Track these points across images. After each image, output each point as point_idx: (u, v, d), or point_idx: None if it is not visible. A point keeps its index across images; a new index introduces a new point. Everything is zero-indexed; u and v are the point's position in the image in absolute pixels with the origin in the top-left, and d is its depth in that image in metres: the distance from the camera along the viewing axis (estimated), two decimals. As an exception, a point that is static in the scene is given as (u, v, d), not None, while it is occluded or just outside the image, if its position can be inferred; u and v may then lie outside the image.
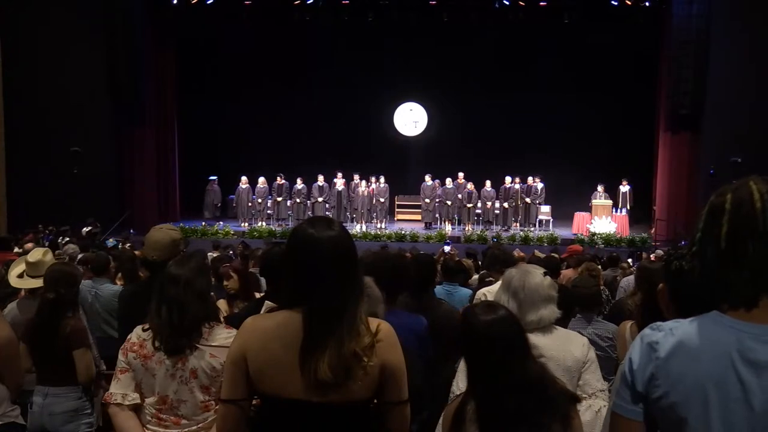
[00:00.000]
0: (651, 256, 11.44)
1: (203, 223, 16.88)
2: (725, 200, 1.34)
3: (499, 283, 4.29)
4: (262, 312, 2.33)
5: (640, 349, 1.38)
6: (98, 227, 15.06)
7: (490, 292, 4.21)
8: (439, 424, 2.55)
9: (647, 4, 16.74)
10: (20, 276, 4.19)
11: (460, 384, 2.49)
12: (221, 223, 17.02)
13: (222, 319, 2.61)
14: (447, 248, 11.39)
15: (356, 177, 17.25)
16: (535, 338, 2.52)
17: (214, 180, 18.30)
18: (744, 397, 1.26)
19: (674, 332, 1.35)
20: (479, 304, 2.16)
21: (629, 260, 11.44)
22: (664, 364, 1.33)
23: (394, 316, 2.62)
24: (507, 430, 1.97)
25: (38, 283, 4.04)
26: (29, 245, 8.47)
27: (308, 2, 17.42)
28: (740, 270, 1.31)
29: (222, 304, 4.36)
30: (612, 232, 16.02)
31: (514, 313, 2.15)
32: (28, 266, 4.14)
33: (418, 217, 17.89)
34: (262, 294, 4.46)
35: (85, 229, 15.44)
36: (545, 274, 2.65)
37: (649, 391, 1.35)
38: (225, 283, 4.66)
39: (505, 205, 17.01)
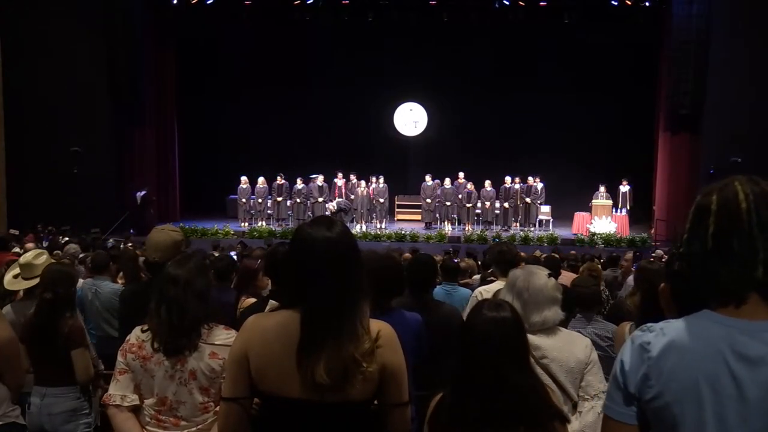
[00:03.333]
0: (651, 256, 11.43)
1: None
2: (711, 201, 1.37)
3: (497, 283, 4.32)
4: (266, 311, 2.33)
5: (632, 351, 1.39)
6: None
7: (487, 291, 4.21)
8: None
9: (647, 4, 16.74)
10: (15, 278, 4.18)
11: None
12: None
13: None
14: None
15: (354, 177, 17.24)
16: (539, 339, 2.51)
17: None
18: (737, 393, 1.27)
19: (665, 332, 1.36)
20: (488, 301, 2.14)
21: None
22: (656, 363, 1.34)
23: (390, 315, 2.61)
24: (474, 427, 1.95)
25: (31, 283, 4.03)
26: (29, 245, 8.47)
27: (308, 2, 17.42)
28: (728, 268, 1.32)
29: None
30: (612, 232, 16.02)
31: (520, 317, 2.13)
32: (21, 268, 4.12)
33: (418, 217, 17.89)
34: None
35: (139, 194, 16.09)
36: (549, 275, 2.64)
37: (642, 393, 1.35)
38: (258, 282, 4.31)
39: (506, 205, 17.00)
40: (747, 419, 1.26)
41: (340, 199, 16.73)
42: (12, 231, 12.16)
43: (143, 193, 16.63)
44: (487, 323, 2.02)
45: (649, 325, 1.41)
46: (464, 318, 4.07)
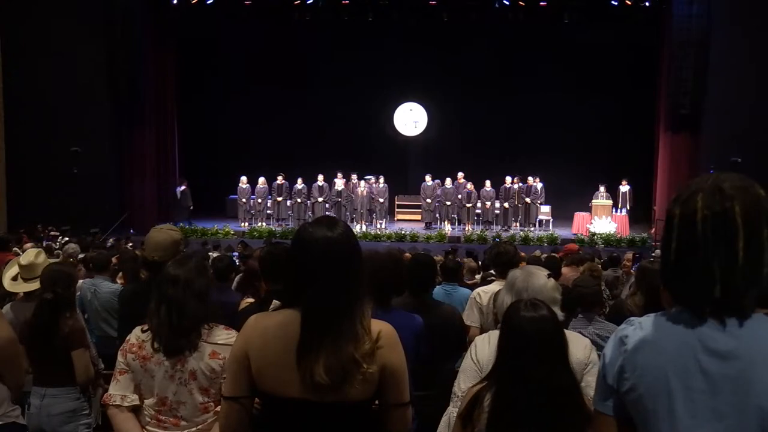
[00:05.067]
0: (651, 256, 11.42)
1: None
2: (675, 213, 1.38)
3: (495, 284, 4.31)
4: (270, 310, 2.33)
5: (613, 344, 1.43)
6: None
7: (485, 291, 4.20)
8: (443, 420, 2.55)
9: (647, 4, 16.72)
10: (14, 279, 4.16)
11: (461, 385, 2.49)
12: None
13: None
14: None
15: (354, 177, 17.24)
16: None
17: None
18: (707, 388, 1.29)
19: (642, 326, 1.39)
20: (524, 301, 2.16)
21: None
22: (631, 356, 1.37)
23: (390, 315, 2.61)
24: (513, 429, 1.96)
25: (32, 286, 4.02)
26: (28, 245, 8.46)
27: (308, 2, 17.41)
28: (687, 285, 1.35)
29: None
30: (612, 232, 16.02)
31: (557, 315, 2.14)
32: (21, 269, 4.10)
33: (418, 217, 17.88)
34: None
35: (179, 189, 17.04)
36: (549, 275, 2.64)
37: (618, 385, 1.39)
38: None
39: (506, 205, 16.99)
40: (719, 415, 1.28)
41: None
42: (54, 233, 12.31)
43: (183, 188, 17.15)
44: (526, 323, 2.03)
45: (632, 318, 1.44)
46: (464, 318, 4.10)
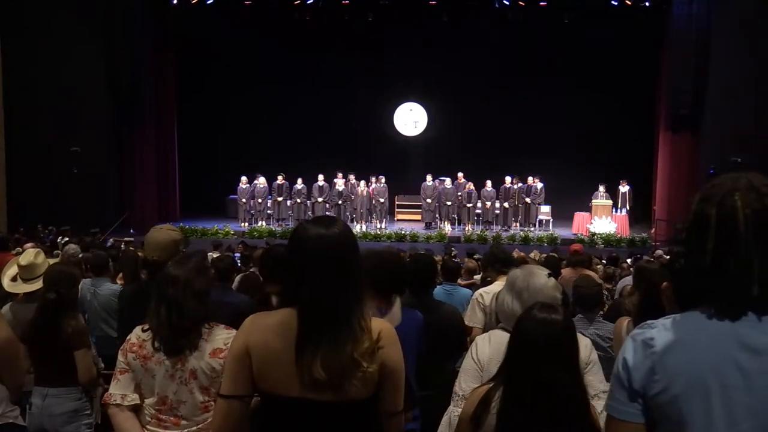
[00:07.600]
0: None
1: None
2: (710, 214, 1.35)
3: (497, 283, 4.31)
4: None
5: (634, 348, 1.38)
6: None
7: (487, 292, 4.21)
8: (444, 420, 2.55)
9: (647, 4, 16.73)
10: (13, 279, 4.15)
11: (462, 385, 2.48)
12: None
13: None
14: None
15: (352, 177, 17.23)
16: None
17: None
18: (744, 384, 1.27)
19: (668, 327, 1.36)
20: (541, 303, 2.14)
21: (628, 260, 11.43)
22: (661, 358, 1.33)
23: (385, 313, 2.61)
24: (522, 430, 1.95)
25: (31, 287, 4.01)
26: (28, 245, 8.45)
27: (308, 2, 17.41)
28: (725, 286, 1.33)
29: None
30: (612, 232, 16.03)
31: (571, 320, 2.12)
32: (21, 269, 4.09)
33: (418, 217, 17.88)
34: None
35: (257, 181, 17.19)
36: (549, 275, 2.63)
37: (647, 388, 1.35)
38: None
39: (506, 205, 17.00)
40: (754, 411, 1.26)
41: None
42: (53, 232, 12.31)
43: (268, 182, 17.23)
44: (536, 325, 2.02)
45: (649, 322, 1.41)
46: (465, 319, 4.10)
